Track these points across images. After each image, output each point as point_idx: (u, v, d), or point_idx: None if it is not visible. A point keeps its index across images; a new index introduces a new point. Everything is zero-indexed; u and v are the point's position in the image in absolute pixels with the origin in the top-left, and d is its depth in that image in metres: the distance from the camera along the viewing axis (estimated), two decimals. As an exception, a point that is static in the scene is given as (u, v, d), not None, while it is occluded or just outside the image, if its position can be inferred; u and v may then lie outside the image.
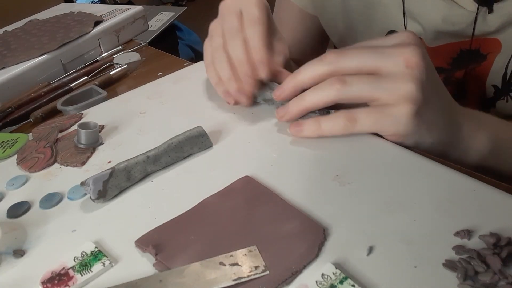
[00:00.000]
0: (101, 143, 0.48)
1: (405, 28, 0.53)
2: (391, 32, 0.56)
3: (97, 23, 0.77)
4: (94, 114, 0.55)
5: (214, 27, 0.48)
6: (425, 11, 0.50)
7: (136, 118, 0.52)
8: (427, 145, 0.41)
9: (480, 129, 0.42)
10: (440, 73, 0.49)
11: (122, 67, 0.68)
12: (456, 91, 0.52)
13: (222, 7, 0.48)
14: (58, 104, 0.59)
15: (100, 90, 0.61)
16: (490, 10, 0.45)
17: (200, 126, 0.44)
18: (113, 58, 0.74)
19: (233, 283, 0.30)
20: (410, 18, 0.52)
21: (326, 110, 0.43)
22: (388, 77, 0.37)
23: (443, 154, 0.41)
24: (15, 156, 0.48)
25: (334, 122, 0.40)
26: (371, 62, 0.38)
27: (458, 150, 0.42)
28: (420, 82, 0.36)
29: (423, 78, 0.37)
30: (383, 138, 0.42)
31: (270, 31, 0.47)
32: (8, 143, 0.50)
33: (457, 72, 0.52)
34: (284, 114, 0.43)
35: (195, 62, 0.65)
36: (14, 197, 0.42)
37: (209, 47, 0.48)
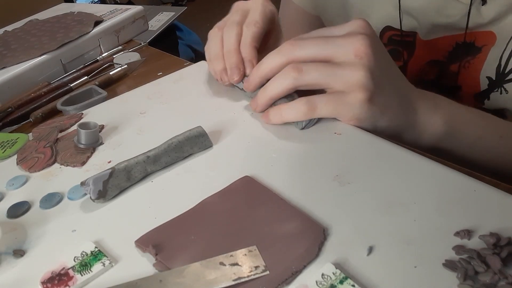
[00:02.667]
0: (101, 143, 0.48)
1: (400, 24, 0.54)
2: (387, 28, 0.56)
3: (97, 23, 0.77)
4: (94, 114, 0.55)
5: (221, 20, 0.52)
6: (420, 4, 0.50)
7: (136, 118, 0.52)
8: (383, 128, 0.43)
9: (435, 111, 0.44)
10: (436, 66, 0.50)
11: (122, 67, 0.68)
12: (451, 83, 0.53)
13: (234, 5, 0.52)
14: (58, 104, 0.59)
15: (100, 90, 0.61)
16: (484, 2, 0.46)
17: (200, 126, 0.44)
18: (113, 58, 0.74)
19: (233, 283, 0.30)
20: (406, 13, 0.53)
21: (292, 96, 0.44)
22: (340, 66, 0.40)
23: (398, 136, 0.44)
24: (15, 156, 0.48)
25: (295, 110, 0.43)
26: (323, 52, 0.41)
27: (413, 132, 0.44)
28: (369, 70, 0.39)
29: (371, 66, 0.39)
30: (383, 137, 0.42)
31: (272, 36, 0.51)
32: (8, 143, 0.50)
33: (452, 65, 0.52)
34: (255, 106, 0.46)
35: (195, 62, 0.65)
36: (14, 197, 0.42)
37: (211, 31, 0.52)
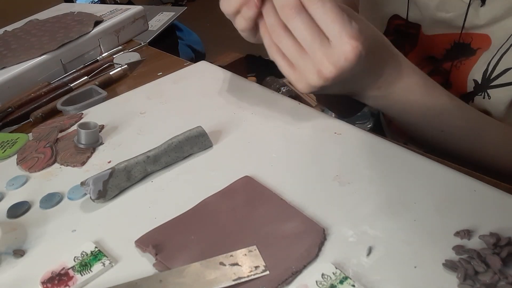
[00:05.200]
0: (101, 143, 0.48)
1: (407, 13, 0.54)
2: (395, 16, 0.56)
3: (97, 23, 0.77)
4: (94, 114, 0.55)
5: None
6: None
7: (136, 118, 0.52)
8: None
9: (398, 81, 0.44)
10: (432, 63, 0.50)
11: (122, 67, 0.68)
12: (442, 81, 0.53)
13: None
14: (58, 104, 0.59)
15: (100, 90, 0.61)
16: (483, 3, 0.46)
17: (200, 126, 0.44)
18: (113, 58, 0.74)
19: (233, 283, 0.30)
20: (413, 3, 0.53)
21: None
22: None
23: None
24: (15, 156, 0.48)
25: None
26: (309, 43, 0.39)
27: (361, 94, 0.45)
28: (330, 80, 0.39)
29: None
30: (383, 138, 0.42)
31: None
32: (8, 143, 0.50)
33: (445, 64, 0.53)
34: None
35: (195, 62, 0.65)
36: (14, 197, 0.42)
37: None
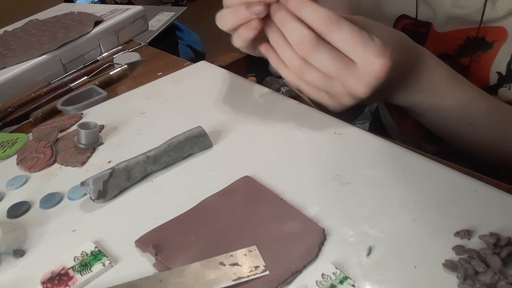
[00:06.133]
0: (101, 143, 0.48)
1: (416, 12, 0.54)
2: (403, 16, 0.56)
3: (97, 23, 0.77)
4: (94, 114, 0.55)
5: None
6: None
7: (136, 118, 0.52)
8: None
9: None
10: (445, 60, 0.50)
11: (122, 67, 0.68)
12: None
13: None
14: (58, 104, 0.59)
15: (100, 90, 0.61)
16: None
17: (200, 126, 0.44)
18: (113, 58, 0.74)
19: (233, 283, 0.30)
20: (423, 2, 0.53)
21: None
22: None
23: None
24: (15, 156, 0.48)
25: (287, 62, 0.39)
26: (334, 72, 0.38)
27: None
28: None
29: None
30: (383, 138, 0.42)
31: None
32: (8, 143, 0.50)
33: (462, 59, 0.52)
34: None
35: (195, 62, 0.65)
36: (14, 197, 0.42)
37: None
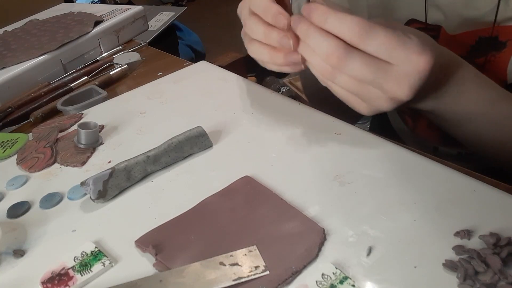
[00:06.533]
0: (101, 143, 0.48)
1: (426, 16, 0.54)
2: (412, 20, 0.56)
3: (97, 23, 0.77)
4: (94, 114, 0.55)
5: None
6: None
7: (136, 118, 0.52)
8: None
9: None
10: None
11: (122, 67, 0.68)
12: None
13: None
14: (58, 104, 0.59)
15: (100, 90, 0.61)
16: None
17: (200, 126, 0.44)
18: (113, 58, 0.74)
19: (233, 283, 0.30)
20: (431, 5, 0.53)
21: None
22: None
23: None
24: (15, 156, 0.48)
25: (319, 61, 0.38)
26: (370, 77, 0.37)
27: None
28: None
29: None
30: (383, 138, 0.42)
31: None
32: (8, 143, 0.50)
33: (477, 59, 0.52)
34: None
35: (195, 62, 0.65)
36: (14, 197, 0.42)
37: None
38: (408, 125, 0.65)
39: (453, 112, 0.44)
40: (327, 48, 0.36)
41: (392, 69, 0.36)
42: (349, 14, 0.35)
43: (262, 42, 0.42)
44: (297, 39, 0.39)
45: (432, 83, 0.41)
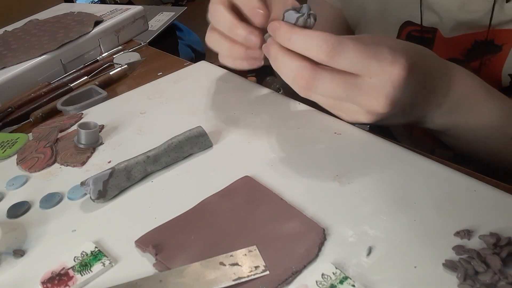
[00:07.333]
0: (101, 143, 0.48)
1: (421, 19, 0.54)
2: (407, 23, 0.56)
3: (97, 23, 0.77)
4: (94, 114, 0.55)
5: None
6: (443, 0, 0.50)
7: (136, 118, 0.52)
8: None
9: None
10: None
11: (122, 67, 0.68)
12: None
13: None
14: (58, 104, 0.59)
15: (100, 90, 0.61)
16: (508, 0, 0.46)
17: (200, 126, 0.44)
18: (113, 58, 0.74)
19: (233, 283, 0.30)
20: (427, 8, 0.53)
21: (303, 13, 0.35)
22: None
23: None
24: (15, 156, 0.48)
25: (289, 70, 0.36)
26: (343, 95, 0.36)
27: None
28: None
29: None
30: (383, 138, 0.42)
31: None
32: (8, 143, 0.50)
33: (472, 63, 0.52)
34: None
35: (195, 62, 0.65)
36: (14, 197, 0.42)
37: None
38: (407, 130, 0.65)
39: (469, 128, 0.43)
40: (293, 72, 0.35)
41: (365, 82, 0.35)
42: (315, 31, 0.34)
43: (223, 33, 0.40)
44: (262, 36, 0.38)
45: (427, 97, 0.40)
